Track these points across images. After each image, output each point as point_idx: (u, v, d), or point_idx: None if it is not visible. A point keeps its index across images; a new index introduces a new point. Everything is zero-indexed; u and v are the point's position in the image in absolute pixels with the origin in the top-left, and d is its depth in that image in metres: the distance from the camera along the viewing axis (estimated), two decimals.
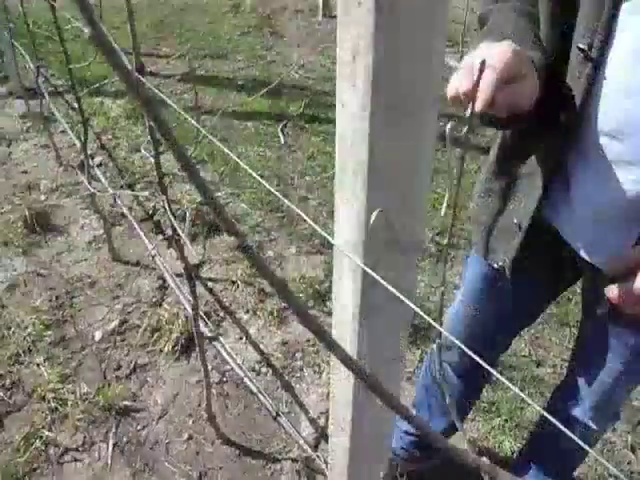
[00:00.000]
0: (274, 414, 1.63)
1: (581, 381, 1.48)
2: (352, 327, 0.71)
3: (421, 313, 0.58)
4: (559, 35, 1.04)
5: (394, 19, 0.46)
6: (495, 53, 0.85)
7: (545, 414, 0.54)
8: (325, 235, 0.63)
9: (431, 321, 0.55)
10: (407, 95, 0.51)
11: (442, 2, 0.48)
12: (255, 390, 1.68)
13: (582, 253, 1.14)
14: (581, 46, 0.95)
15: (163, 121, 0.22)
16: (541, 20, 1.07)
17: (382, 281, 0.56)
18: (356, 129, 0.54)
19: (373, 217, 0.56)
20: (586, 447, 0.52)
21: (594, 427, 1.49)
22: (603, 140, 0.99)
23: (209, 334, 1.77)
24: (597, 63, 0.94)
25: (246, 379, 1.71)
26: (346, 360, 0.32)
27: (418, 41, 0.49)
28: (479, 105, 0.83)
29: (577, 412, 1.50)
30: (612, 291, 0.96)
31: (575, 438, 0.51)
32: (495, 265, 1.32)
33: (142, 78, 1.17)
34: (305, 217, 0.75)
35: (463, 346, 0.57)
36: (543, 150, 1.12)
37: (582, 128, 1.02)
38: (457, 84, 0.85)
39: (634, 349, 1.27)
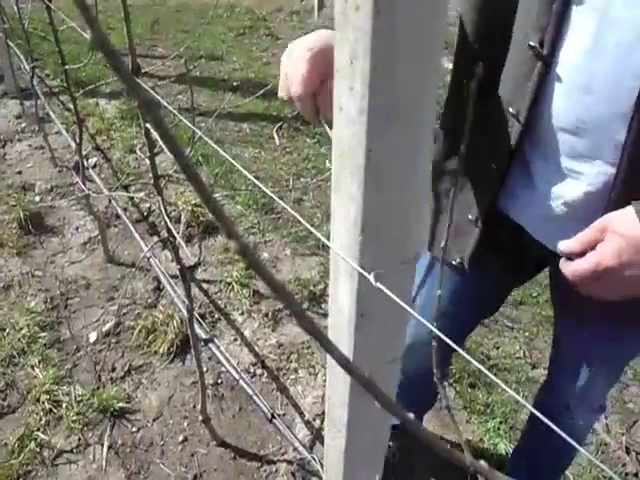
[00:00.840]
0: (269, 417, 1.63)
1: (561, 378, 1.50)
2: (348, 330, 0.71)
3: (419, 318, 0.59)
4: (484, 21, 1.03)
5: (392, 23, 0.46)
6: (300, 54, 0.88)
7: (533, 410, 0.54)
8: (322, 238, 0.63)
9: (432, 327, 0.55)
10: (405, 99, 0.51)
11: (440, 6, 0.48)
12: (250, 393, 1.68)
13: (550, 246, 1.11)
14: (532, 44, 0.94)
15: (165, 125, 0.22)
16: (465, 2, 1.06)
17: (380, 285, 0.56)
18: (353, 132, 0.54)
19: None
20: (574, 443, 0.52)
21: (580, 422, 1.51)
22: (562, 136, 0.99)
23: (204, 336, 1.77)
24: (548, 61, 0.94)
25: (241, 382, 1.71)
26: (346, 366, 0.32)
27: (416, 45, 0.49)
28: (307, 115, 0.88)
29: (562, 408, 1.51)
30: (566, 266, 0.96)
31: (564, 435, 0.51)
32: (453, 262, 1.30)
33: (138, 79, 1.16)
34: (300, 219, 0.75)
35: (458, 347, 0.57)
36: (495, 144, 1.10)
37: (537, 124, 1.01)
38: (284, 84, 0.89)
39: (607, 347, 1.28)
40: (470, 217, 1.19)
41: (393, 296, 0.55)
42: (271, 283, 0.28)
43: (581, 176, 1.00)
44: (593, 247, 0.92)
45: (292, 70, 0.87)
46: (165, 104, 1.21)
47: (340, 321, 0.73)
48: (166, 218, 1.33)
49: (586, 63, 0.91)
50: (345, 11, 0.49)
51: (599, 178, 0.98)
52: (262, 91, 2.32)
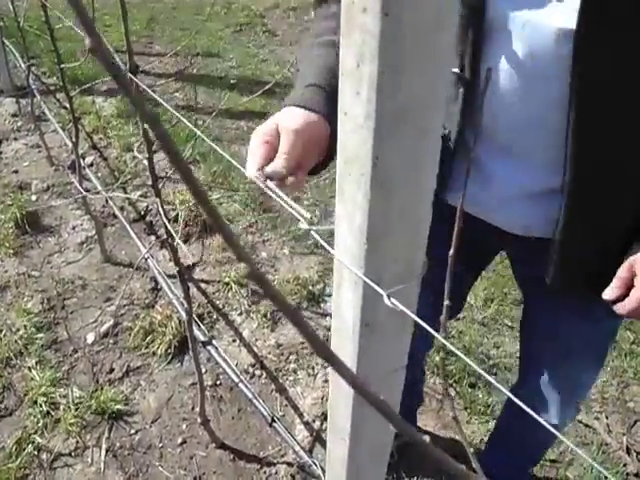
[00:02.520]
0: (269, 420, 1.61)
1: (531, 364, 1.50)
2: (352, 339, 0.70)
3: (427, 327, 0.57)
4: None
5: (401, 25, 0.44)
6: (285, 138, 0.85)
7: (516, 400, 0.52)
8: (326, 247, 0.61)
9: (441, 339, 0.54)
10: (413, 104, 0.50)
11: (449, 8, 0.46)
12: (250, 396, 1.66)
13: (509, 228, 1.17)
14: (454, 70, 0.99)
15: (168, 139, 0.20)
16: None
17: (385, 297, 0.54)
18: (359, 138, 0.52)
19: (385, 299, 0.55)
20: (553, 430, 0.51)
21: (553, 420, 1.48)
22: (501, 139, 1.06)
23: (203, 338, 1.75)
24: (470, 85, 1.00)
25: (240, 384, 1.69)
26: (361, 390, 0.30)
27: (425, 48, 0.47)
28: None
29: (534, 403, 1.48)
30: (621, 310, 1.04)
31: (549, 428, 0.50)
32: None
33: (135, 79, 1.14)
34: (299, 216, 0.73)
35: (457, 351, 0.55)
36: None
37: (468, 142, 1.09)
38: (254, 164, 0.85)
39: (577, 327, 1.29)
40: None
41: (405, 309, 0.53)
42: (285, 309, 0.26)
43: (529, 160, 1.06)
44: (629, 285, 1.03)
45: (281, 147, 0.85)
46: (163, 103, 1.19)
47: (344, 329, 0.71)
48: (165, 220, 1.31)
49: (508, 81, 0.97)
50: (352, 13, 0.47)
51: (547, 155, 1.03)
52: (263, 90, 2.29)
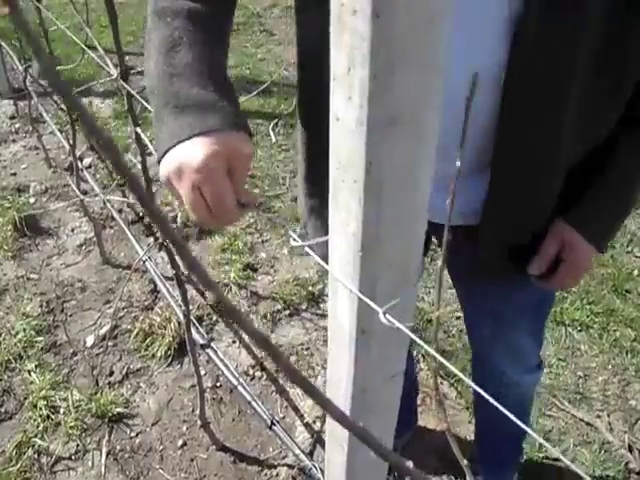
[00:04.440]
0: (269, 423, 1.60)
1: (477, 342, 1.53)
2: (349, 346, 0.69)
3: (425, 346, 0.56)
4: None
5: (393, 27, 0.43)
6: (200, 174, 0.77)
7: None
8: (322, 263, 0.60)
9: (431, 351, 0.53)
10: (406, 108, 0.48)
11: (443, 8, 0.45)
12: (249, 398, 1.65)
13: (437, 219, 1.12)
14: None
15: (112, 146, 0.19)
16: None
17: (381, 314, 0.53)
18: (351, 144, 0.51)
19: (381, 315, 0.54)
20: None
21: (521, 384, 1.53)
22: None
23: (202, 341, 1.74)
24: None
25: (240, 387, 1.68)
26: (345, 424, 0.30)
27: (419, 50, 0.46)
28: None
29: (490, 376, 1.54)
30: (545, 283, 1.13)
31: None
32: None
33: (126, 84, 1.13)
34: (291, 232, 0.72)
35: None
36: None
37: None
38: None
39: (508, 296, 1.30)
40: None
41: (400, 326, 0.52)
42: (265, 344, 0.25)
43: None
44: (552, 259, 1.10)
45: (206, 194, 0.78)
46: (149, 107, 1.18)
47: (340, 337, 0.70)
48: None
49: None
50: (341, 15, 0.46)
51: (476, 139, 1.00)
52: (261, 89, 2.28)
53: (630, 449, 2.17)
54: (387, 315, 0.57)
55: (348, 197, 0.55)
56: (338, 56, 0.48)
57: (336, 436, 0.86)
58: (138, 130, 1.23)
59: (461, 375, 0.56)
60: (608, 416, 2.28)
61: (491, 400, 0.53)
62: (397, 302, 0.59)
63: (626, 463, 2.12)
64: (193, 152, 0.77)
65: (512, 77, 0.90)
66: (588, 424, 2.23)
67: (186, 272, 1.43)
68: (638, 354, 2.52)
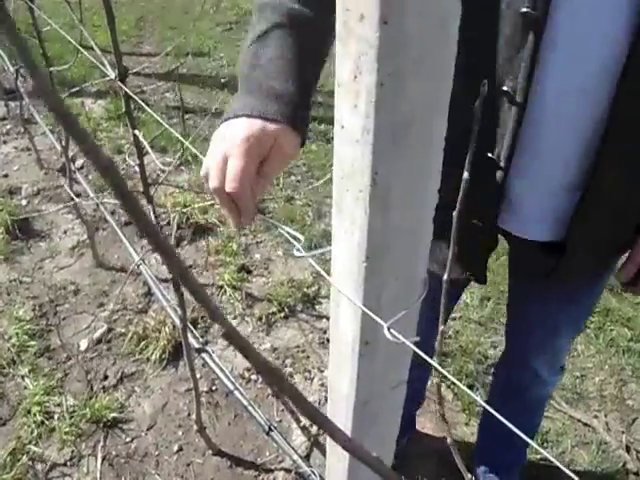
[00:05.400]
0: (267, 429, 1.59)
1: (521, 346, 1.56)
2: (352, 357, 0.67)
3: (424, 356, 0.54)
4: None
5: (401, 34, 0.42)
6: (236, 146, 0.82)
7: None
8: (324, 274, 0.59)
9: (434, 364, 0.51)
10: (414, 117, 0.47)
11: (453, 13, 0.44)
12: (246, 403, 1.63)
13: (527, 236, 1.16)
14: (523, 10, 0.88)
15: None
16: None
17: (386, 329, 0.51)
18: (357, 153, 0.49)
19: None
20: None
21: (548, 387, 1.62)
22: (565, 108, 0.96)
23: (197, 345, 1.72)
24: (542, 27, 0.89)
25: (236, 392, 1.66)
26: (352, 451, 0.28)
27: (428, 58, 0.44)
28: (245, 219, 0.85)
29: (532, 377, 1.57)
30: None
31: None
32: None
33: (124, 86, 1.11)
34: (293, 240, 0.71)
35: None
36: (492, 133, 1.05)
37: (535, 99, 0.97)
38: (213, 188, 0.84)
39: (563, 308, 1.35)
40: (476, 223, 1.15)
41: (405, 341, 0.51)
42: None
43: (581, 157, 1.00)
44: None
45: (230, 164, 0.82)
46: (147, 109, 1.16)
47: (343, 347, 0.68)
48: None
49: (580, 25, 0.88)
50: (348, 21, 0.45)
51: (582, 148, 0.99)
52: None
53: (627, 449, 2.16)
54: (392, 330, 0.55)
55: (353, 206, 0.53)
56: (344, 62, 0.47)
57: (337, 446, 0.84)
58: (137, 132, 1.22)
59: (470, 392, 0.55)
60: (605, 416, 2.27)
61: (494, 415, 0.51)
62: (402, 316, 0.58)
63: (624, 464, 2.12)
64: (241, 127, 0.83)
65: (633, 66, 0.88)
66: (586, 425, 2.22)
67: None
68: (635, 354, 2.51)
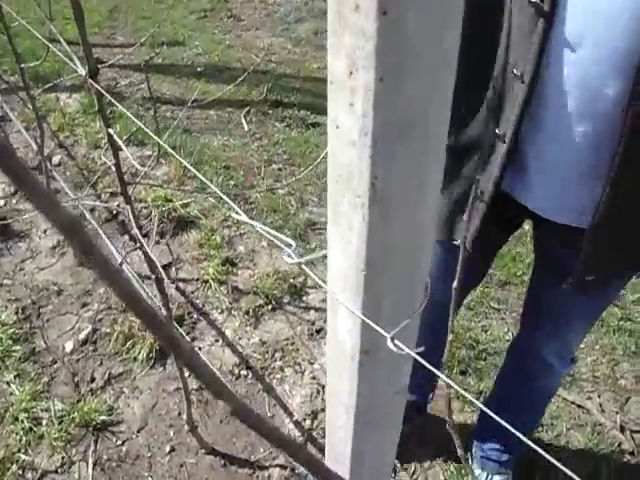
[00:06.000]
0: None
1: (536, 332, 1.56)
2: (351, 366, 0.64)
3: (431, 368, 0.51)
4: None
5: (403, 26, 0.38)
6: None
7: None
8: (321, 283, 0.55)
9: (442, 377, 0.47)
10: (415, 116, 0.43)
11: (456, 6, 0.40)
12: None
13: (544, 214, 1.20)
14: (532, 0, 0.93)
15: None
16: None
17: (389, 340, 0.48)
18: (354, 156, 0.45)
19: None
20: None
21: (554, 371, 1.60)
22: (569, 92, 1.00)
23: None
24: (550, 16, 0.93)
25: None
26: None
27: (431, 51, 0.40)
28: None
29: (542, 365, 1.59)
30: None
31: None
32: (454, 242, 1.35)
33: (95, 83, 1.06)
34: (285, 246, 0.67)
35: None
36: (500, 110, 1.11)
37: (542, 83, 1.02)
38: None
39: (591, 296, 1.33)
40: (479, 192, 1.21)
41: (409, 351, 0.47)
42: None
43: (586, 134, 1.02)
44: None
45: None
46: (120, 107, 1.11)
47: (341, 355, 0.65)
48: (137, 232, 1.24)
49: (586, 15, 0.92)
50: (341, 10, 0.41)
51: (599, 135, 1.01)
52: (241, 78, 2.19)
53: (622, 430, 2.15)
54: (395, 341, 0.52)
55: (350, 212, 0.49)
56: (337, 57, 0.42)
57: (337, 453, 0.81)
58: (111, 131, 1.17)
59: (478, 403, 0.51)
60: (599, 397, 2.26)
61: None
62: (405, 324, 0.54)
63: (619, 444, 2.11)
64: None
65: None
66: (579, 406, 2.21)
67: (163, 274, 1.36)
68: (625, 333, 2.51)
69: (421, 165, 0.46)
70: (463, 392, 0.47)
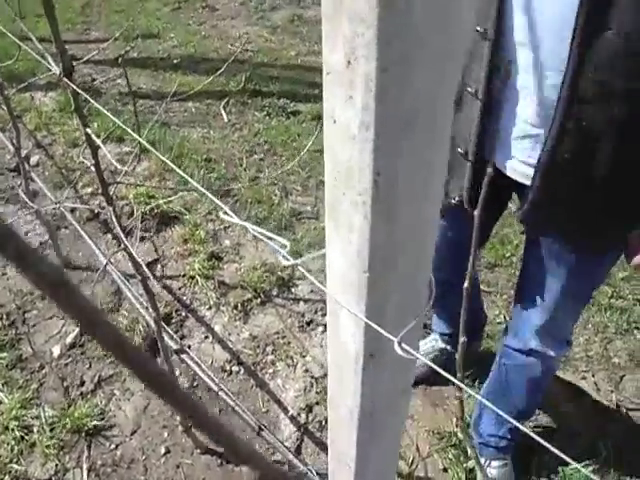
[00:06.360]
0: (257, 429, 1.52)
1: (528, 313, 1.57)
2: (355, 368, 0.61)
3: (441, 372, 0.48)
4: None
5: (408, 11, 0.34)
6: None
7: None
8: (319, 285, 0.52)
9: (456, 382, 0.45)
10: (420, 107, 0.40)
11: None
12: (233, 404, 1.57)
13: (511, 173, 1.28)
14: (478, 29, 1.08)
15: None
16: None
17: (396, 344, 0.45)
18: (355, 152, 0.42)
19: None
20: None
21: (549, 354, 1.60)
22: (521, 50, 1.11)
23: (175, 346, 1.65)
24: (497, 43, 1.09)
25: (221, 393, 1.59)
26: None
27: (439, 37, 0.37)
28: None
29: (531, 344, 1.59)
30: None
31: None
32: (453, 201, 1.41)
33: (71, 84, 1.02)
34: (279, 248, 0.64)
35: None
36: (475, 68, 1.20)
37: (501, 39, 1.13)
38: None
39: (573, 269, 1.38)
40: (460, 150, 1.30)
41: (417, 355, 0.44)
42: None
43: (540, 90, 1.12)
44: None
45: None
46: (99, 107, 1.07)
47: (344, 358, 0.62)
48: (120, 233, 1.20)
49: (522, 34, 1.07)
50: None
51: (550, 90, 1.10)
52: (221, 70, 2.15)
53: (618, 408, 2.15)
54: (403, 344, 0.49)
55: (350, 211, 0.46)
56: (334, 45, 0.39)
57: (342, 457, 0.78)
58: (89, 131, 1.13)
59: (492, 406, 0.48)
60: (593, 376, 2.25)
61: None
62: (411, 327, 0.51)
63: (616, 423, 2.10)
64: None
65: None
66: (575, 387, 2.20)
67: (149, 273, 1.33)
68: (616, 311, 2.50)
69: (427, 159, 0.43)
70: (472, 392, 0.44)
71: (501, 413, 0.48)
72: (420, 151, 0.42)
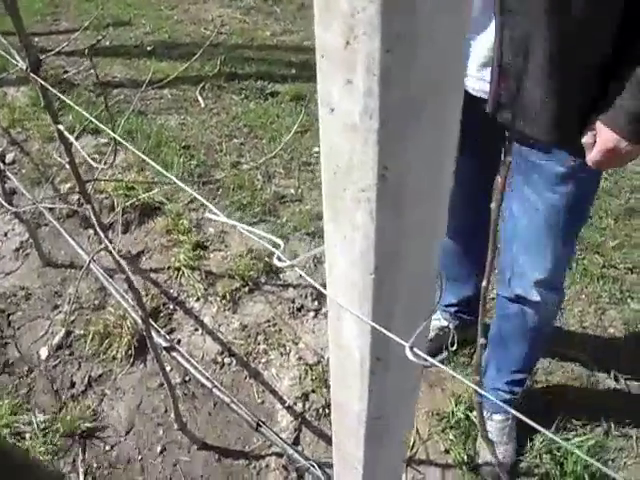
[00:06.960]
0: (254, 426, 1.48)
1: (513, 255, 1.55)
2: (361, 372, 0.57)
3: (455, 375, 0.44)
4: None
5: None
6: None
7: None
8: (319, 287, 0.47)
9: (470, 384, 0.40)
10: (427, 93, 0.35)
11: None
12: (228, 400, 1.53)
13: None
14: None
15: None
16: None
17: (408, 349, 0.40)
18: (356, 144, 0.37)
19: None
20: None
21: (535, 299, 1.57)
22: None
23: (164, 344, 1.60)
24: None
25: (215, 390, 1.55)
26: None
27: (443, 17, 0.32)
28: None
29: (516, 290, 1.58)
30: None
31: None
32: None
33: (39, 79, 0.96)
34: (273, 248, 0.59)
35: None
36: None
37: None
38: None
39: (551, 183, 1.38)
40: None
41: (429, 358, 0.40)
42: None
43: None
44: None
45: None
46: (70, 103, 1.02)
47: (348, 362, 0.58)
48: (101, 233, 1.14)
49: None
50: None
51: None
52: (196, 57, 2.07)
53: (616, 379, 2.13)
54: (415, 349, 0.45)
55: (353, 209, 0.41)
56: (329, 23, 0.34)
57: (349, 458, 0.74)
58: (61, 127, 1.07)
59: (499, 402, 0.45)
60: (590, 347, 2.23)
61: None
62: (420, 331, 0.47)
63: (615, 392, 2.09)
64: None
65: None
66: (572, 360, 2.18)
67: (130, 275, 1.28)
68: (609, 280, 2.48)
69: (437, 148, 0.39)
70: (484, 393, 0.40)
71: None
72: (429, 139, 0.37)
